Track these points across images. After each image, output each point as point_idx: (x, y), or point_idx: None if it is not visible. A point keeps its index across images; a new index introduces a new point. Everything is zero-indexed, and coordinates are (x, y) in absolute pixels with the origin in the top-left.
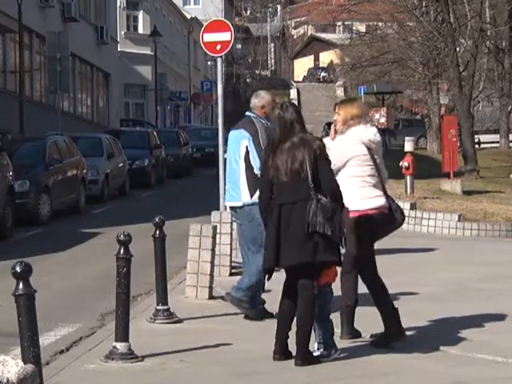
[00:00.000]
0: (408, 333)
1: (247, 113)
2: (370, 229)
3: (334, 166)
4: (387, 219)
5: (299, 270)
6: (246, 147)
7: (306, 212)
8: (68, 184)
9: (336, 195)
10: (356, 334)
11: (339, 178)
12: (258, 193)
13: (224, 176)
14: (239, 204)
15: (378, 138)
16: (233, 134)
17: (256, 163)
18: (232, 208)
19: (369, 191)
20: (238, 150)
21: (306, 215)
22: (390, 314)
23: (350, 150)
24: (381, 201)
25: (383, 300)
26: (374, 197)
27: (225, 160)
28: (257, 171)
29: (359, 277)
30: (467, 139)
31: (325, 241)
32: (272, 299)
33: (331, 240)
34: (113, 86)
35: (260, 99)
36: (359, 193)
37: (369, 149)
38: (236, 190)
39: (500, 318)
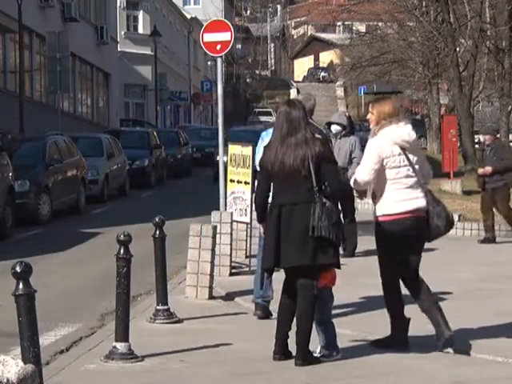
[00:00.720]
0: (408, 333)
1: None
2: (403, 234)
3: (371, 171)
4: (422, 224)
5: (299, 270)
6: None
7: (308, 214)
8: (68, 184)
9: (336, 196)
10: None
11: (375, 183)
12: None
13: (224, 176)
14: None
15: (412, 136)
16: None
17: None
18: None
19: (404, 193)
20: None
21: (309, 218)
22: (398, 322)
23: (383, 153)
24: (419, 203)
25: (395, 307)
26: (409, 199)
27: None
28: None
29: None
30: (467, 139)
31: (325, 244)
32: (272, 299)
33: (331, 243)
34: (113, 86)
35: (303, 99)
36: (393, 196)
37: (403, 149)
38: None
39: (500, 318)
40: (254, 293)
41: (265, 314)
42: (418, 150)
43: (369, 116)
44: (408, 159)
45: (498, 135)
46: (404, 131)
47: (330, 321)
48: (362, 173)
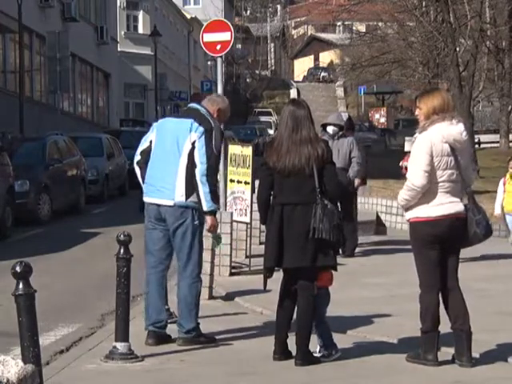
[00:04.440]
0: (408, 333)
1: (194, 105)
2: (438, 235)
3: (424, 173)
4: (459, 227)
5: (298, 271)
6: (193, 142)
7: (309, 216)
8: (68, 184)
9: (335, 197)
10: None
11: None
12: (194, 196)
13: (225, 175)
14: (169, 203)
15: (464, 137)
16: (175, 122)
17: (202, 166)
18: (156, 205)
19: (442, 197)
20: (181, 143)
21: (310, 219)
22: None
23: (434, 150)
24: (456, 207)
25: (427, 310)
26: (446, 203)
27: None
28: (199, 174)
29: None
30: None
31: (325, 246)
32: (272, 299)
33: (331, 245)
34: (113, 86)
35: (222, 101)
36: (430, 199)
37: (453, 149)
38: (167, 186)
39: (500, 317)
40: (145, 318)
41: (159, 341)
42: (467, 152)
43: (417, 112)
44: (456, 161)
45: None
46: (457, 129)
47: (324, 320)
48: (414, 177)
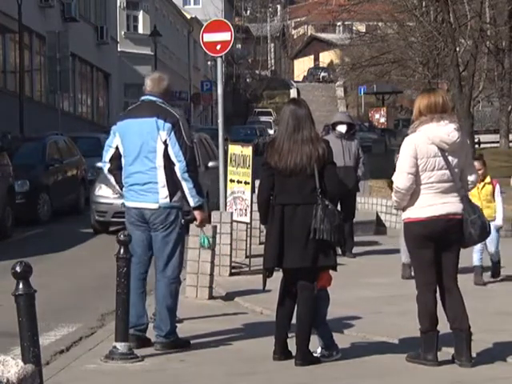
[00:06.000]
0: (408, 333)
1: (148, 97)
2: (432, 236)
3: (409, 176)
4: (455, 227)
5: (298, 271)
6: (165, 141)
7: (310, 216)
8: (68, 184)
9: (336, 199)
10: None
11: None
12: (177, 195)
13: (225, 174)
14: (154, 206)
15: (452, 137)
16: (138, 123)
17: (181, 164)
18: (139, 209)
19: (434, 198)
20: (152, 145)
21: (311, 220)
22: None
23: (418, 152)
24: (449, 208)
25: (424, 311)
26: (439, 204)
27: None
28: (180, 172)
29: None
30: (467, 139)
31: (325, 246)
32: (272, 299)
33: (331, 245)
34: (113, 86)
35: (163, 78)
36: (422, 200)
37: (441, 150)
38: (149, 190)
39: (500, 317)
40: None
41: (140, 345)
42: (462, 152)
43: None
44: (446, 162)
45: None
46: (443, 131)
47: (325, 321)
48: (398, 179)
